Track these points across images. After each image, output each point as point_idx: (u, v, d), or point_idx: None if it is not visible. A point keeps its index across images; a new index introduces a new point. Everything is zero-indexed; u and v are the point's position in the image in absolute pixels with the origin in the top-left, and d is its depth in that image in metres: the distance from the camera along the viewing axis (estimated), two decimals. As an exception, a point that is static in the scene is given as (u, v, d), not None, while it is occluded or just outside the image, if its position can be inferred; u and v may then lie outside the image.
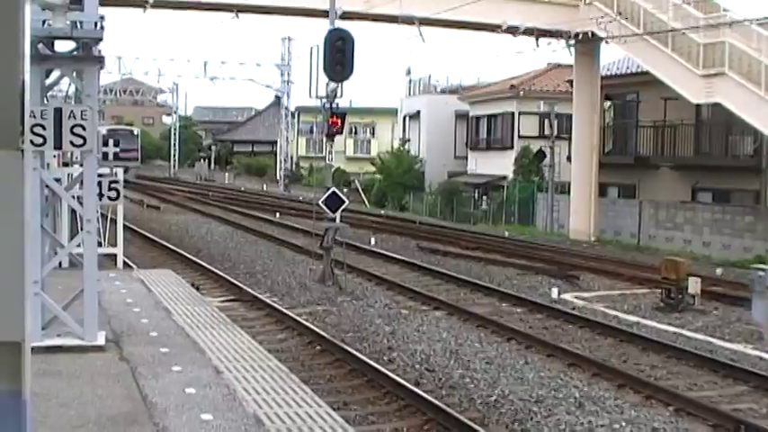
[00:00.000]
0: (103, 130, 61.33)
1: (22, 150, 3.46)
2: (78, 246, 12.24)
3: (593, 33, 32.72)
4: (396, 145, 61.97)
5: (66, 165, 21.52)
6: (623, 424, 11.51)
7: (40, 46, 10.57)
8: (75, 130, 9.96)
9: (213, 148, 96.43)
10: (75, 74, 11.84)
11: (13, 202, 3.35)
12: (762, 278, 17.23)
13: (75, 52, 10.92)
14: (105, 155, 18.01)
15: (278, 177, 69.85)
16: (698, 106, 32.16)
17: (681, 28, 29.12)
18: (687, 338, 16.91)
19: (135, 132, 71.23)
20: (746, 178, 32.04)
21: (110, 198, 15.07)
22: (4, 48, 3.41)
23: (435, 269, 25.06)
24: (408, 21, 31.37)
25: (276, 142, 73.13)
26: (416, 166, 55.94)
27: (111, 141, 63.24)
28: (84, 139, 10.03)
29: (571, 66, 37.73)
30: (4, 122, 3.42)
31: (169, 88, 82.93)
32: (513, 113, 48.63)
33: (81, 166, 12.91)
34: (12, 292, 3.37)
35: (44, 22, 10.30)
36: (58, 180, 14.00)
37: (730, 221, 30.27)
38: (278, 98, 73.66)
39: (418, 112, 59.76)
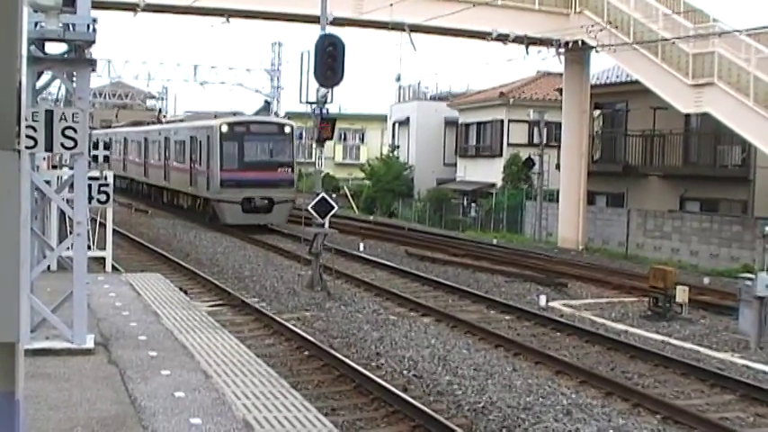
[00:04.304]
0: (223, 128, 36.57)
1: (19, 151, 3.45)
2: (68, 248, 12.22)
3: (582, 42, 32.79)
4: (385, 151, 62.00)
5: (55, 167, 21.50)
6: None
7: (32, 48, 10.57)
8: (67, 132, 9.95)
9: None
10: (66, 76, 11.85)
11: (9, 203, 3.35)
12: (749, 287, 17.32)
13: (67, 54, 10.92)
14: (95, 158, 17.20)
15: (267, 182, 69.47)
16: (687, 116, 32.27)
17: (671, 38, 29.22)
18: (674, 347, 16.95)
19: (287, 130, 38.12)
20: (734, 188, 32.17)
21: (99, 201, 15.10)
22: (2, 49, 3.41)
23: (424, 276, 25.07)
24: (399, 27, 31.40)
25: (266, 147, 72.58)
26: (405, 173, 55.99)
27: (241, 149, 36.53)
28: (75, 141, 10.02)
29: (561, 74, 37.81)
30: (1, 123, 3.42)
31: (158, 92, 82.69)
32: (502, 121, 48.69)
33: (71, 168, 12.90)
34: (7, 292, 3.37)
35: (36, 23, 10.28)
36: (47, 182, 13.98)
37: (718, 231, 30.36)
38: (267, 103, 73.43)
39: (408, 119, 59.79)
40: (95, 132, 60.65)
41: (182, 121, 47.20)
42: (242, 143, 36.74)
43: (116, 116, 73.63)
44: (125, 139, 56.53)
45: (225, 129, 36.60)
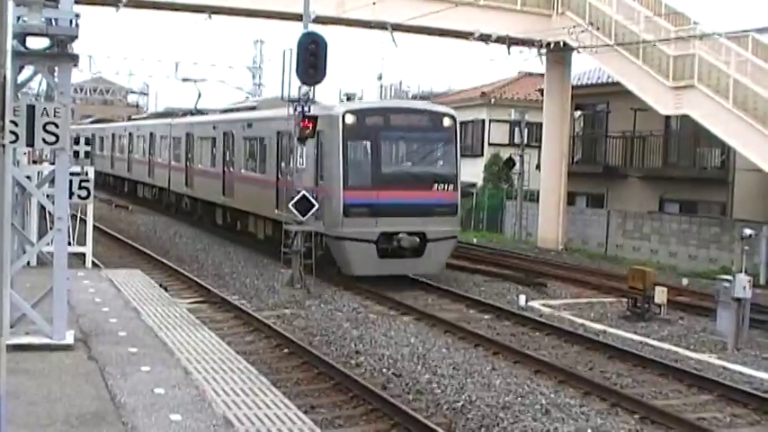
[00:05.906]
0: (347, 118, 22.85)
1: (3, 146, 3.45)
2: (48, 244, 12.19)
3: (564, 43, 32.84)
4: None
5: (35, 162, 21.43)
6: (589, 431, 11.61)
7: (14, 42, 10.53)
8: (48, 127, 9.93)
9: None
10: (48, 71, 11.80)
11: (-7, 197, 3.35)
12: (726, 289, 17.43)
13: (49, 49, 10.88)
14: (76, 153, 16.84)
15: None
16: (667, 118, 32.40)
17: (652, 40, 29.32)
18: (653, 347, 17.04)
19: (447, 123, 24.80)
20: (713, 190, 32.32)
21: (80, 197, 15.05)
22: (-12, 43, 3.41)
23: (403, 274, 25.06)
24: (381, 26, 31.39)
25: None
26: (386, 171, 55.81)
27: (377, 154, 23.39)
28: (56, 136, 10.00)
29: (542, 74, 37.86)
30: (-14, 118, 3.41)
31: (140, 88, 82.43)
32: (483, 121, 48.70)
33: (52, 164, 12.87)
34: (-10, 286, 3.36)
35: (18, 18, 10.25)
36: (28, 178, 13.94)
37: (697, 232, 30.50)
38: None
39: (389, 118, 59.69)
40: (107, 126, 57.97)
41: (253, 108, 32.55)
42: (378, 144, 23.43)
43: (137, 107, 71.34)
44: (151, 134, 44.54)
45: (351, 120, 22.84)
